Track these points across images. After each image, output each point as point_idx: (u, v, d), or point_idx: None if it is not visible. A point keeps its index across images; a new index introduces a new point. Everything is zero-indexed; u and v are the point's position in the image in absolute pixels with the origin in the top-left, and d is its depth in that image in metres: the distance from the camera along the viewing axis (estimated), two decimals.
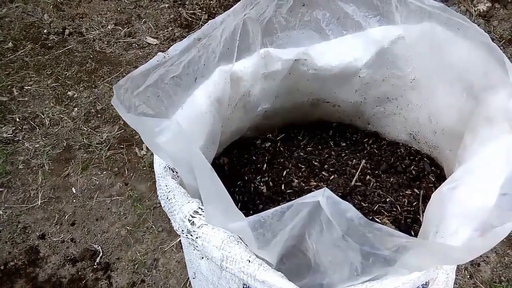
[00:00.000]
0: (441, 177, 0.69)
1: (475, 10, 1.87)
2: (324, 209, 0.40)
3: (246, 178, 0.73)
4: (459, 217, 0.44)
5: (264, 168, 0.73)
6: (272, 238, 0.42)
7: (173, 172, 0.56)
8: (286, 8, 0.66)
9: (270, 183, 0.70)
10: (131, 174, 1.45)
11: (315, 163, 0.71)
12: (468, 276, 1.17)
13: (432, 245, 0.39)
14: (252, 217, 0.42)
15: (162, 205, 0.54)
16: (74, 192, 1.41)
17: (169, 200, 0.50)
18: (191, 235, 0.47)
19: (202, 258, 0.58)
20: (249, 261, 0.43)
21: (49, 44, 1.91)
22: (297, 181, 0.69)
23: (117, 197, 1.39)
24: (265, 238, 0.42)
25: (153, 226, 1.31)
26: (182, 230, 0.48)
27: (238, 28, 0.63)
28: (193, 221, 0.47)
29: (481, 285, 1.15)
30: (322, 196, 0.40)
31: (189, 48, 0.57)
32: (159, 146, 0.49)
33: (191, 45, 0.57)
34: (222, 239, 0.45)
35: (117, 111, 0.48)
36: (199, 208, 0.49)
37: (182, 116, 0.60)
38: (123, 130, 1.57)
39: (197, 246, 0.47)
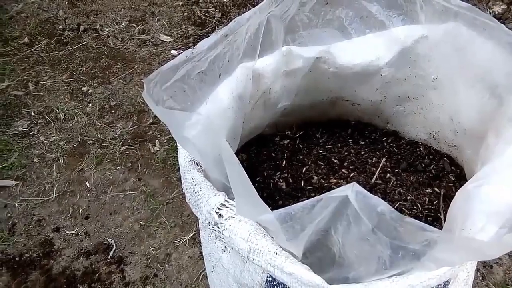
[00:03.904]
0: (461, 177, 0.69)
1: (490, 12, 1.86)
2: (353, 203, 0.40)
3: (265, 174, 0.73)
4: (485, 214, 0.44)
5: (283, 165, 0.74)
6: (300, 231, 0.43)
7: (198, 165, 0.57)
8: (310, 6, 0.67)
9: (290, 179, 0.71)
10: (144, 170, 1.46)
11: (335, 161, 0.72)
12: (481, 278, 1.17)
13: (463, 240, 0.40)
14: (283, 209, 0.43)
15: (187, 198, 0.55)
16: (88, 186, 1.42)
17: (195, 192, 0.51)
18: (218, 227, 0.48)
19: (224, 251, 0.59)
20: (276, 253, 0.44)
21: (64, 40, 1.93)
22: (316, 178, 0.69)
23: (131, 192, 1.41)
24: (294, 231, 0.43)
25: (166, 221, 1.33)
26: (209, 223, 0.49)
27: (262, 25, 0.64)
28: (221, 214, 0.48)
29: (493, 287, 1.14)
30: (351, 190, 0.40)
31: (216, 44, 0.58)
32: (187, 139, 0.49)
33: (218, 42, 0.58)
34: (249, 231, 0.46)
35: (147, 104, 0.48)
36: (226, 201, 0.50)
37: (206, 111, 0.61)
38: (136, 126, 1.59)
39: (223, 238, 0.48)
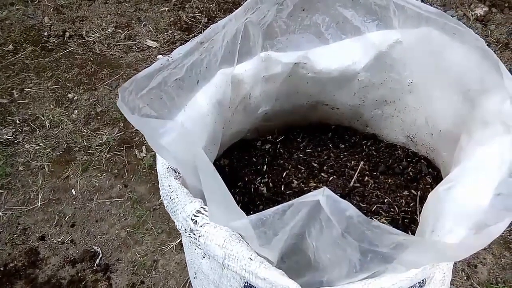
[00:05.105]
0: (438, 179, 0.70)
1: (472, 15, 1.89)
2: (324, 207, 0.41)
3: (247, 179, 0.74)
4: (455, 216, 0.45)
5: (264, 170, 0.75)
6: (273, 236, 0.43)
7: (176, 172, 0.57)
8: (287, 12, 0.68)
9: (270, 184, 0.72)
10: (131, 176, 1.46)
11: (314, 165, 0.73)
12: (465, 278, 1.18)
13: (428, 243, 0.41)
14: (254, 215, 0.43)
15: (165, 205, 0.55)
16: (74, 194, 1.42)
17: (172, 200, 0.52)
18: (194, 234, 0.48)
19: (204, 257, 0.59)
20: (251, 259, 0.44)
21: (50, 47, 1.92)
22: (296, 182, 0.70)
23: (117, 199, 1.40)
24: (267, 236, 0.43)
25: (152, 227, 1.32)
26: (185, 229, 0.49)
27: (239, 32, 0.64)
28: (196, 220, 0.48)
29: (478, 287, 1.16)
30: (322, 195, 0.41)
31: (192, 52, 0.58)
32: (163, 146, 0.50)
33: (194, 49, 0.58)
34: (224, 237, 0.46)
35: (122, 112, 0.49)
36: (202, 207, 0.50)
37: (184, 118, 0.61)
38: (122, 132, 1.58)
39: (199, 245, 0.48)
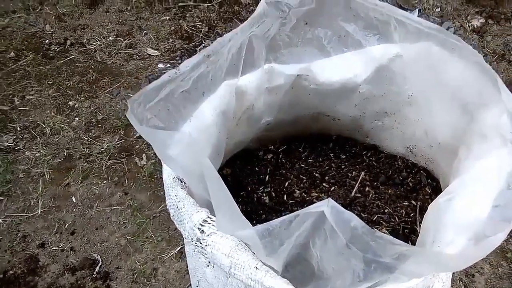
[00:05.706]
0: (437, 189, 0.72)
1: (469, 26, 1.93)
2: (329, 218, 0.42)
3: (249, 188, 0.75)
4: (455, 227, 0.46)
5: (266, 179, 0.76)
6: (279, 246, 0.44)
7: (182, 182, 0.58)
8: (290, 26, 0.70)
9: (273, 193, 0.73)
10: (131, 184, 1.46)
11: (316, 175, 0.74)
12: (463, 287, 1.19)
13: (429, 253, 0.42)
14: (261, 225, 0.44)
15: (171, 215, 0.56)
16: (74, 201, 1.42)
17: (178, 209, 0.53)
18: (201, 243, 0.49)
19: (208, 266, 0.60)
20: (257, 268, 0.45)
21: (51, 54, 1.93)
22: (298, 192, 0.71)
23: (117, 207, 1.41)
24: (273, 246, 0.44)
25: (152, 235, 1.33)
26: (192, 239, 0.50)
27: (244, 45, 0.66)
28: (203, 230, 0.49)
29: None
30: (327, 206, 0.42)
31: (199, 64, 0.60)
32: (170, 157, 0.51)
33: (201, 61, 0.60)
34: (231, 246, 0.47)
35: (131, 123, 0.50)
36: (208, 217, 0.51)
37: (190, 129, 0.62)
38: (123, 140, 1.59)
39: (206, 254, 0.49)
